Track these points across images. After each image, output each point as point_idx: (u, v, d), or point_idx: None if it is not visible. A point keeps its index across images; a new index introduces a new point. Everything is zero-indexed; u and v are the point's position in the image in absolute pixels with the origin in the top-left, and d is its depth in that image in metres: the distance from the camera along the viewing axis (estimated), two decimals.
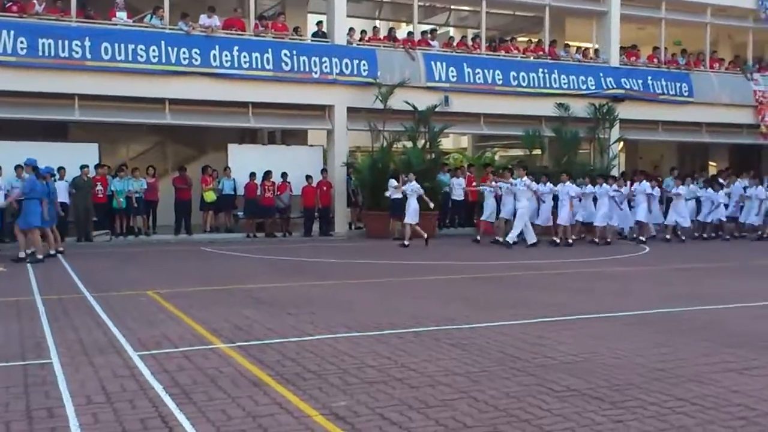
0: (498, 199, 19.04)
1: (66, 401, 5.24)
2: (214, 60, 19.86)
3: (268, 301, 9.77)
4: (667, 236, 20.20)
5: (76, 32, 18.78)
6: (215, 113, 20.54)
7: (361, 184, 21.07)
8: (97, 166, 19.21)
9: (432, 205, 19.16)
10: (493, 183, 19.13)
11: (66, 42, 18.55)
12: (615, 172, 22.91)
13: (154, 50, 19.31)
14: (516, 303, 9.71)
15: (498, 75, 22.79)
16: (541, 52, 23.93)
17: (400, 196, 19.38)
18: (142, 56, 19.21)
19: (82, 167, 18.72)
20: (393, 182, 19.26)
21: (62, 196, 18.37)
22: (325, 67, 20.90)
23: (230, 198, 20.71)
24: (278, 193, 20.61)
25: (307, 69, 20.73)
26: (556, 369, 6.14)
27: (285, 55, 20.56)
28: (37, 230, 14.58)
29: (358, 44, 21.89)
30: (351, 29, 21.97)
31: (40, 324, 8.11)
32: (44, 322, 8.23)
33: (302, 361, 6.35)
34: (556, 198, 19.04)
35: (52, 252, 15.16)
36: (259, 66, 20.27)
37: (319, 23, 21.95)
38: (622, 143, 25.08)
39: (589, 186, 19.49)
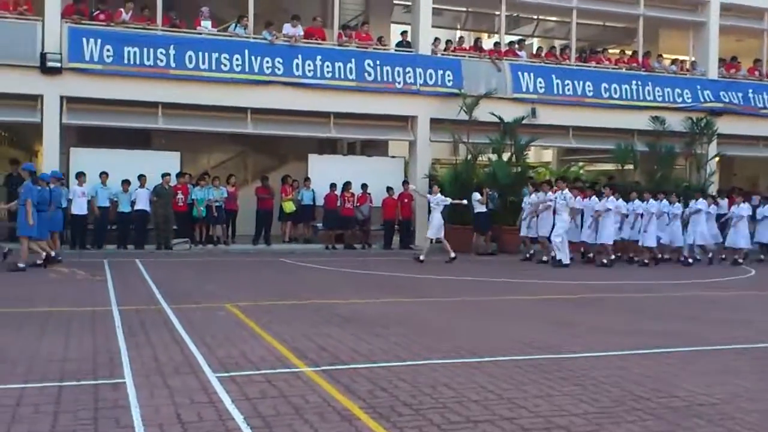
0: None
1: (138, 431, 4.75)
2: (297, 69, 19.59)
3: (353, 318, 9.19)
4: (739, 259, 18.59)
5: (162, 41, 18.77)
6: (296, 123, 20.26)
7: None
8: (178, 175, 19.11)
9: (465, 201, 18.52)
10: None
11: (151, 50, 18.55)
12: (712, 190, 21.67)
13: (237, 59, 19.15)
14: (621, 330, 8.86)
15: (588, 86, 21.86)
16: (634, 64, 22.85)
17: (484, 209, 18.69)
18: (225, 65, 19.07)
19: (164, 175, 18.63)
20: (477, 195, 18.59)
21: (143, 204, 18.43)
22: (409, 77, 20.39)
23: (309, 209, 20.35)
24: (358, 204, 20.16)
25: (390, 79, 20.26)
26: (688, 413, 5.32)
27: (368, 65, 20.14)
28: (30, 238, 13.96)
29: (442, 54, 21.29)
30: (436, 39, 21.41)
31: (116, 338, 7.72)
32: (120, 335, 7.84)
33: (396, 392, 5.71)
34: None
35: (53, 254, 14.60)
36: (342, 76, 19.90)
37: (404, 33, 21.48)
38: (717, 159, 23.70)
39: (637, 202, 17.99)
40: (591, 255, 17.83)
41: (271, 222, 20.08)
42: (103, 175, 18.22)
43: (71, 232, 18.20)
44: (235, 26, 19.77)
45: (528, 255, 17.93)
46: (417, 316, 9.63)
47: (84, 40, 18.13)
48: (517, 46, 22.67)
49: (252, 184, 21.85)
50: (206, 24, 19.41)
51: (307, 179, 20.31)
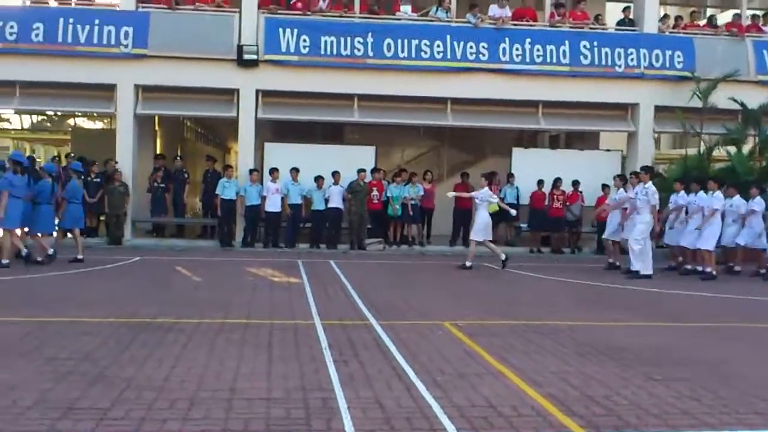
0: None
1: None
2: (503, 54, 17.83)
3: (606, 349, 7.29)
4: None
5: (360, 28, 17.66)
6: (500, 113, 18.51)
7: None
8: (373, 171, 17.94)
9: (514, 212, 15.92)
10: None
11: (348, 39, 17.50)
12: None
13: (438, 45, 17.69)
14: None
15: None
16: None
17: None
18: (425, 52, 17.67)
19: (359, 171, 17.52)
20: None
21: (336, 201, 17.45)
22: (631, 59, 18.02)
23: (512, 207, 18.44)
24: (568, 203, 18.06)
25: (609, 62, 18.02)
26: None
27: (584, 47, 17.99)
28: (13, 232, 12.61)
29: (671, 32, 18.67)
30: (665, 15, 18.83)
31: (325, 366, 6.33)
32: (329, 362, 6.44)
33: None
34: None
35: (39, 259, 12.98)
36: (554, 60, 17.91)
37: (626, 9, 19.06)
38: None
39: (759, 199, 14.46)
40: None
41: (470, 221, 18.36)
42: (293, 172, 17.38)
43: (264, 229, 17.54)
44: (436, 10, 18.30)
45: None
46: (687, 350, 7.54)
47: (280, 30, 17.37)
48: (761, 20, 19.53)
49: (447, 181, 20.41)
50: (406, 9, 18.14)
51: (510, 175, 18.49)
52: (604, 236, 15.50)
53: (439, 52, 17.68)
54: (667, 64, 18.06)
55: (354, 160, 17.93)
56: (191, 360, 6.46)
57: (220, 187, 17.10)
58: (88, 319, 8.20)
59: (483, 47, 17.82)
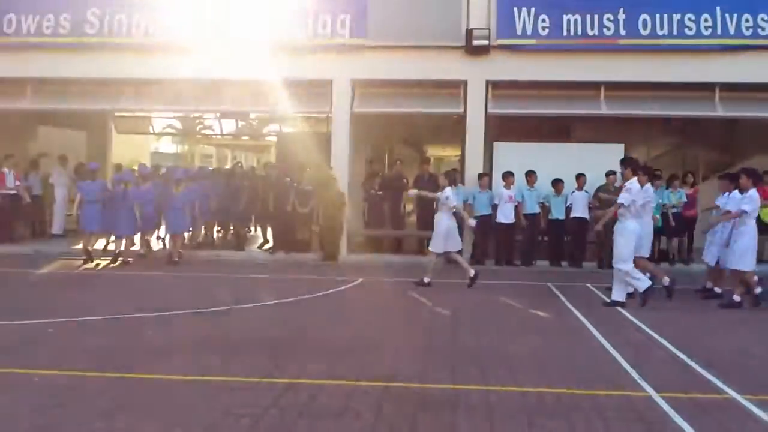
0: None
1: None
2: None
3: None
4: None
5: (610, 4, 14.90)
6: None
7: None
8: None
9: (473, 222, 12.64)
10: None
11: (596, 17, 14.85)
12: None
13: (706, 20, 14.69)
14: None
15: None
16: None
17: None
18: (690, 29, 14.68)
19: (608, 174, 14.78)
20: None
21: (581, 210, 15.06)
22: None
23: None
24: None
25: None
26: None
27: None
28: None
29: None
30: None
31: None
32: None
33: None
34: None
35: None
36: None
37: None
38: None
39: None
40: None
41: None
42: (531, 175, 14.96)
43: (496, 243, 15.18)
44: None
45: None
46: None
47: (515, 10, 14.96)
48: None
49: (704, 184, 17.12)
50: None
51: None
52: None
53: (707, 28, 14.62)
54: None
55: (598, 160, 15.21)
56: None
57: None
58: (329, 382, 6.12)
59: (762, 20, 14.53)
